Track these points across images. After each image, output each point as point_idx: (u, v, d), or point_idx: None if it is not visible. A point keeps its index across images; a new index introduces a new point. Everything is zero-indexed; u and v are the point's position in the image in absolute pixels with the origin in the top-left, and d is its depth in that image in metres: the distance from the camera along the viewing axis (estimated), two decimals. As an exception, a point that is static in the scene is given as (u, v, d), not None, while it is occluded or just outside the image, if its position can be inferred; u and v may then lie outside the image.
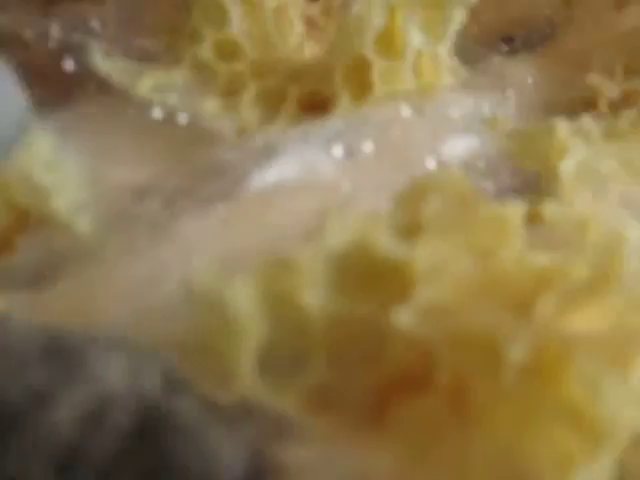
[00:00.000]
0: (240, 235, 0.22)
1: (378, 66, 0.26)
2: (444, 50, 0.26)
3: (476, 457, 0.18)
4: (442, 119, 0.26)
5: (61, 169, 0.25)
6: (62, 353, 0.15)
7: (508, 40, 0.31)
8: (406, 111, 0.26)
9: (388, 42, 0.26)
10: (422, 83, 0.26)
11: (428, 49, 0.26)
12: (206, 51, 0.27)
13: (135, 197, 0.24)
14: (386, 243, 0.18)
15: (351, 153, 0.24)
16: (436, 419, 0.18)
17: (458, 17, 0.26)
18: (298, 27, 0.28)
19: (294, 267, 0.18)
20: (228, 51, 0.27)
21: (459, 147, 0.26)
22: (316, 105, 0.27)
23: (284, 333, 0.18)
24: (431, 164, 0.25)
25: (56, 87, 0.27)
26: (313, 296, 0.18)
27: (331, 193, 0.24)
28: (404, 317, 0.17)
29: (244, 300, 0.17)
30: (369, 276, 0.18)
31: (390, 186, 0.24)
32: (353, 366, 0.18)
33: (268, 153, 0.24)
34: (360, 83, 0.26)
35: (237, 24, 0.27)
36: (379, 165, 0.25)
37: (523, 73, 0.29)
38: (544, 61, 0.30)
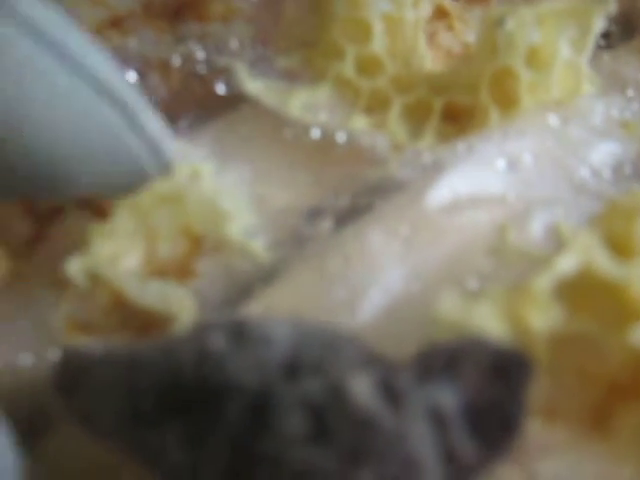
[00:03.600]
0: (425, 252, 0.23)
1: (526, 78, 0.26)
2: (585, 59, 0.27)
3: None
4: (586, 126, 0.27)
5: (229, 194, 0.25)
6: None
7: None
8: (554, 121, 0.27)
9: (537, 55, 0.26)
10: (565, 92, 0.27)
11: (573, 59, 0.27)
12: (349, 68, 0.27)
13: (306, 218, 0.25)
14: (607, 266, 0.19)
15: (513, 165, 0.25)
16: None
17: (599, 26, 0.27)
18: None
19: (528, 293, 0.19)
20: (370, 67, 0.28)
21: (605, 153, 0.27)
22: (456, 116, 0.27)
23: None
24: (585, 172, 0.26)
25: (208, 110, 0.27)
26: (541, 319, 0.19)
27: (501, 206, 0.24)
28: (640, 334, 0.18)
29: (492, 327, 0.18)
30: (592, 297, 0.19)
31: (555, 196, 0.25)
32: (574, 379, 0.19)
33: (438, 170, 0.25)
34: (506, 94, 0.27)
35: (380, 39, 0.27)
36: (539, 176, 0.25)
37: (634, 68, 0.30)
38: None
